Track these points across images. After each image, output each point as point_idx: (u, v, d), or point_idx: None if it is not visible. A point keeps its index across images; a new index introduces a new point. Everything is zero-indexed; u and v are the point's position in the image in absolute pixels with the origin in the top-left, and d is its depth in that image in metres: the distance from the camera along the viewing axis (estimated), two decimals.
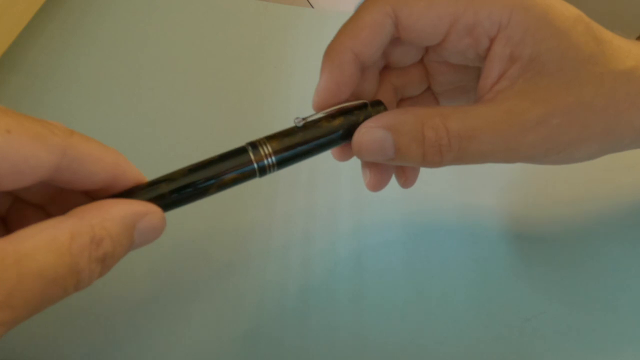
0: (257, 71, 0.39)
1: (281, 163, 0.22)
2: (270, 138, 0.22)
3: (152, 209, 0.19)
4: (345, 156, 0.26)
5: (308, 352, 0.26)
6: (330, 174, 0.33)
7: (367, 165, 0.26)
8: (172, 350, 0.26)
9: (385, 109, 0.24)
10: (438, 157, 0.22)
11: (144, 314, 0.27)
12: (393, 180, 0.29)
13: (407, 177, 0.27)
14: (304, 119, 0.23)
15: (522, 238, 0.31)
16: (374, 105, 0.24)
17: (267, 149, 0.21)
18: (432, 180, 0.33)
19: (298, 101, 0.37)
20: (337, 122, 0.23)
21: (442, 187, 0.33)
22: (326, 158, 0.34)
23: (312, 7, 0.53)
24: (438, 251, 0.30)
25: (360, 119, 0.23)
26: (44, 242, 0.16)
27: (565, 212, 0.32)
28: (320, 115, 0.23)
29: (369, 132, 0.23)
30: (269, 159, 0.21)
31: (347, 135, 0.23)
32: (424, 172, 0.34)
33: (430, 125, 0.22)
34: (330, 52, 0.24)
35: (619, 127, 0.23)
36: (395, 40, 0.24)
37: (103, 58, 0.39)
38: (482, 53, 0.23)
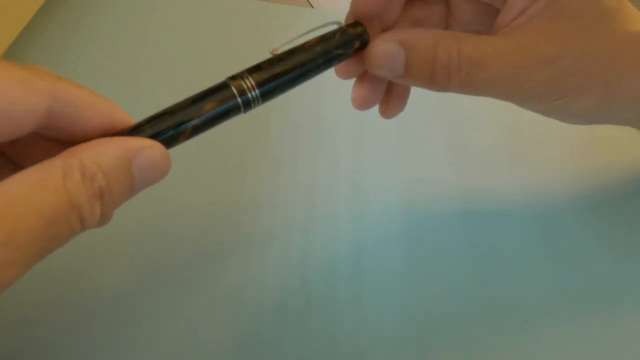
0: None
1: (265, 95, 0.22)
2: (250, 71, 0.21)
3: (149, 143, 0.19)
4: (349, 73, 0.26)
5: (309, 349, 0.26)
6: (330, 162, 0.33)
7: (360, 80, 0.26)
8: (170, 346, 0.26)
9: (365, 31, 0.24)
10: (445, 78, 0.23)
11: (138, 308, 0.27)
12: (395, 174, 0.29)
13: (389, 104, 0.27)
14: (280, 47, 0.22)
15: (523, 238, 0.31)
16: (353, 26, 0.24)
17: (250, 81, 0.21)
18: (433, 177, 0.33)
19: (298, 100, 0.37)
20: (316, 46, 0.23)
21: (442, 185, 0.33)
22: (325, 152, 0.34)
23: (312, 7, 0.53)
24: (438, 251, 0.30)
25: (337, 40, 0.23)
26: (36, 182, 0.16)
27: (566, 210, 0.32)
28: (295, 43, 0.23)
29: (383, 43, 0.23)
30: (253, 93, 0.21)
31: (328, 60, 0.23)
32: (424, 168, 0.34)
33: (444, 45, 0.22)
34: None
35: (619, 87, 0.24)
36: None
37: (103, 58, 0.39)
38: None
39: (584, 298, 0.28)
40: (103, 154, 0.17)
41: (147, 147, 0.19)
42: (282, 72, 0.22)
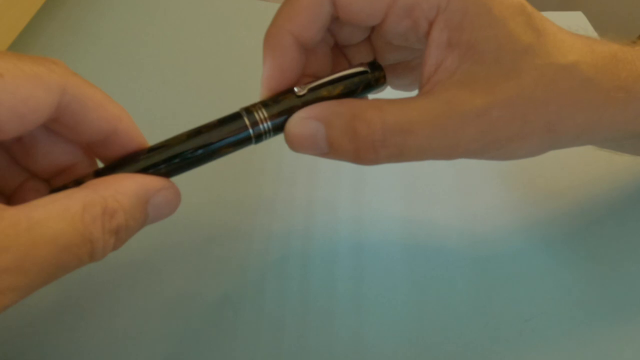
0: (257, 71, 0.39)
1: (277, 128, 0.21)
2: (265, 104, 0.22)
3: (167, 184, 0.19)
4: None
5: (308, 353, 0.26)
6: (331, 172, 0.33)
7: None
8: (169, 346, 0.26)
9: (384, 75, 0.23)
10: (372, 154, 0.21)
11: (137, 308, 0.27)
12: (394, 178, 0.29)
13: None
14: (305, 87, 0.22)
15: (522, 238, 0.31)
16: (374, 70, 0.23)
17: (262, 113, 0.21)
18: (433, 179, 0.33)
19: None
20: (336, 90, 0.22)
21: (442, 187, 0.33)
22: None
23: None
24: (438, 251, 0.30)
25: (359, 92, 0.23)
26: (56, 211, 0.16)
27: (565, 210, 0.32)
28: (320, 81, 0.22)
29: (300, 123, 0.21)
30: (265, 124, 0.21)
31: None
32: (424, 171, 0.34)
33: (363, 118, 0.21)
34: (270, 38, 0.23)
35: (561, 123, 0.22)
36: (339, 21, 0.23)
37: (103, 58, 0.39)
38: (422, 37, 0.22)
39: (585, 298, 0.28)
40: (124, 192, 0.18)
41: (164, 189, 0.19)
42: (294, 109, 0.22)
